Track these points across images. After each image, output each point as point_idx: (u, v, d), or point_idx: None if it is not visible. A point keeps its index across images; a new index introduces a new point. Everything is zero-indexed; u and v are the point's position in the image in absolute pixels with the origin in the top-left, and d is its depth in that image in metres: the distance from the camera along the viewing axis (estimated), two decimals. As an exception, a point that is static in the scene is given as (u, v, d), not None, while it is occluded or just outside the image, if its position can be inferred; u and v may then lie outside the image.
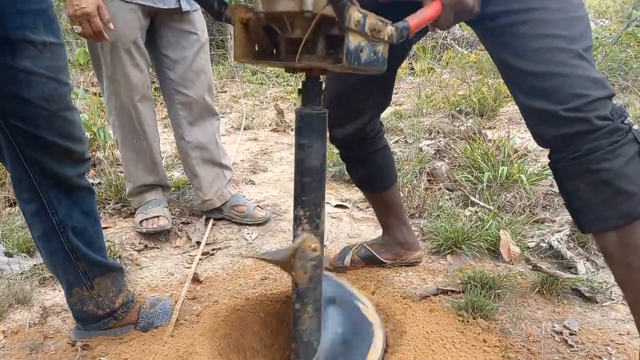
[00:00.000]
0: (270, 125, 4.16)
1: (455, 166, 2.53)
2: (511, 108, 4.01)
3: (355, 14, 0.70)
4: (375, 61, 0.79)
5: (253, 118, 4.44)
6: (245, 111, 4.54)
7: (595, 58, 4.46)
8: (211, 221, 2.01)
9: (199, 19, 1.87)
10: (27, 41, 0.89)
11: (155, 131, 1.92)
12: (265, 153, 3.17)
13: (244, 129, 3.97)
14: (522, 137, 3.28)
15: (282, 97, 5.66)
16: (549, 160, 1.00)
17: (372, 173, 1.42)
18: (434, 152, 2.91)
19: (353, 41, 0.72)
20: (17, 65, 0.89)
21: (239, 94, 5.61)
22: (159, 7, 1.69)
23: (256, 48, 0.81)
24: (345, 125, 1.30)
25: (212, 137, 1.96)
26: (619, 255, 0.95)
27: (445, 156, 2.79)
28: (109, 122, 1.91)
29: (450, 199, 2.17)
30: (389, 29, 0.79)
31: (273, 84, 6.64)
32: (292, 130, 3.92)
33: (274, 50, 0.82)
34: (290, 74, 6.22)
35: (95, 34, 1.49)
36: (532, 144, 3.05)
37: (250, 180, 2.53)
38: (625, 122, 0.91)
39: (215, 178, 1.98)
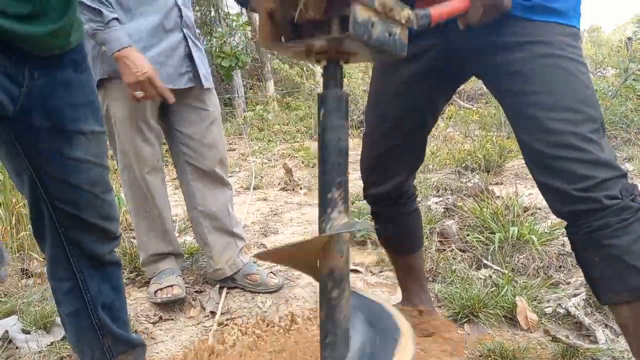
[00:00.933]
0: (279, 184, 4.22)
1: (465, 225, 2.54)
2: (517, 163, 4.06)
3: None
4: (392, 42, 0.75)
5: (262, 177, 4.51)
6: (254, 170, 4.62)
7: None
8: (225, 290, 2.01)
9: (212, 94, 1.95)
10: (79, 132, 0.96)
11: (166, 201, 1.97)
12: (275, 214, 3.20)
13: (254, 188, 4.02)
14: (530, 194, 3.30)
15: (289, 155, 5.76)
16: (566, 231, 1.02)
17: (402, 234, 1.44)
18: (442, 210, 2.94)
19: (361, 14, 0.69)
20: (69, 155, 0.96)
21: (247, 151, 5.72)
22: (169, 87, 1.75)
23: (282, 40, 0.78)
24: (380, 185, 1.33)
25: (224, 207, 2.00)
26: (633, 329, 0.96)
27: (454, 214, 2.81)
28: (123, 192, 1.97)
29: (463, 260, 2.18)
30: (407, 12, 0.75)
31: (280, 141, 6.78)
32: (300, 189, 3.97)
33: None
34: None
35: (160, 93, 1.58)
36: (541, 201, 3.07)
37: (262, 244, 2.55)
38: (636, 200, 0.93)
39: (227, 247, 2.00)
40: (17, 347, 1.58)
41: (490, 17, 0.93)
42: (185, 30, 1.82)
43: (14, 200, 2.42)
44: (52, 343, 1.58)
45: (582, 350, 1.34)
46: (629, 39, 13.06)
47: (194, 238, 2.46)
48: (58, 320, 1.66)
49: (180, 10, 1.81)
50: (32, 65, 0.91)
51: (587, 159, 0.93)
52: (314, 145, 5.85)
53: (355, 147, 3.41)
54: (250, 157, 5.49)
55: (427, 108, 1.24)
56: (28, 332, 1.65)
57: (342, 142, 0.77)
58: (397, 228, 1.42)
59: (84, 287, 1.09)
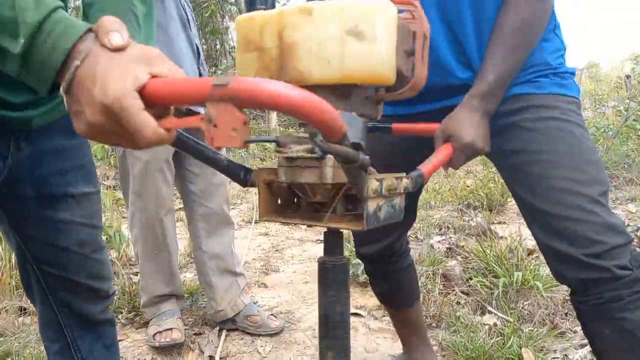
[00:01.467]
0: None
1: (468, 267, 2.52)
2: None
3: (373, 183, 0.71)
4: (393, 214, 0.80)
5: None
6: (255, 204, 4.60)
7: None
8: (224, 333, 1.98)
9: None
10: (67, 196, 0.94)
11: (175, 242, 1.96)
12: (276, 250, 3.18)
13: (255, 222, 4.01)
14: (533, 234, 3.27)
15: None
16: (571, 298, 1.00)
17: (395, 290, 1.43)
18: (445, 249, 2.91)
19: (371, 206, 0.72)
20: (56, 217, 0.93)
21: (249, 184, 5.69)
22: (185, 128, 1.79)
23: (279, 201, 0.83)
24: (372, 244, 1.32)
25: (228, 247, 1.99)
26: None
27: (457, 255, 2.79)
28: (130, 234, 1.95)
29: (467, 304, 2.15)
30: (404, 182, 0.80)
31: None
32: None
33: (296, 206, 0.85)
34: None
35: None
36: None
37: (262, 283, 2.52)
38: None
39: (229, 287, 1.98)
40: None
41: (471, 159, 0.99)
42: (201, 68, 1.87)
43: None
44: (46, 389, 1.54)
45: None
46: (628, 76, 13.25)
47: (195, 275, 2.43)
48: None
49: (199, 53, 1.87)
50: (17, 137, 0.86)
51: (596, 222, 0.92)
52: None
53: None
54: (252, 189, 5.48)
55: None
56: (23, 377, 1.61)
57: (344, 314, 0.82)
58: (391, 284, 1.41)
59: (74, 348, 1.05)
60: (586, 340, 1.71)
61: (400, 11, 0.73)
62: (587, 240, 0.91)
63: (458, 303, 2.18)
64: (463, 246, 2.81)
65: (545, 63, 1.04)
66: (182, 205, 2.03)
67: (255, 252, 3.12)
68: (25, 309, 2.11)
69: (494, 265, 2.27)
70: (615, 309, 0.91)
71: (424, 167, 0.87)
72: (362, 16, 0.67)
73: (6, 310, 2.11)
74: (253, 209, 4.35)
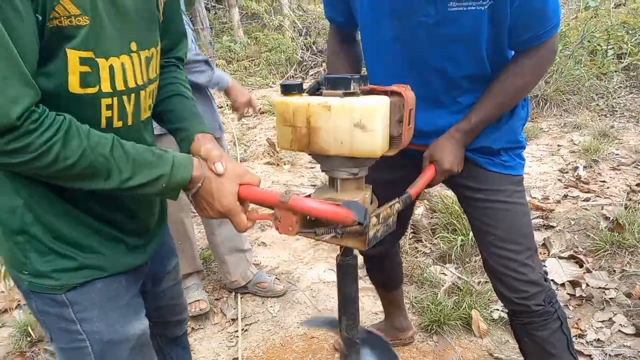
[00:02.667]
0: (263, 154, 4.54)
1: (434, 218, 2.99)
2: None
3: (373, 220, 1.01)
4: (388, 229, 1.11)
5: (247, 146, 4.80)
6: (236, 136, 4.87)
7: (552, 74, 4.90)
8: (239, 297, 2.45)
9: (222, 140, 2.25)
10: (167, 272, 1.26)
11: (194, 235, 2.34)
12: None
13: (240, 161, 4.34)
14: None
15: (268, 112, 5.98)
16: (507, 316, 1.48)
17: (387, 279, 1.88)
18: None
19: (371, 232, 1.02)
20: (160, 288, 1.28)
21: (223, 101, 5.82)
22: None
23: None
24: (374, 248, 1.72)
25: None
26: None
27: (423, 199, 3.24)
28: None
29: (432, 253, 2.67)
30: (396, 207, 1.10)
31: (253, 85, 6.90)
32: (285, 165, 4.31)
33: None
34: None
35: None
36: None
37: (262, 242, 2.96)
38: (553, 306, 1.38)
39: (239, 262, 2.41)
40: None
41: (446, 178, 1.33)
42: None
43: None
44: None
45: None
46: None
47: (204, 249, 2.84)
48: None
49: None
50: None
51: (523, 279, 1.35)
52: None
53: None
54: (226, 110, 5.59)
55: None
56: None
57: (355, 296, 1.18)
58: (384, 275, 1.86)
59: (167, 357, 1.48)
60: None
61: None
62: (517, 290, 1.36)
63: (425, 254, 2.69)
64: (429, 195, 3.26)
65: (500, 147, 1.38)
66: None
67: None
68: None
69: (454, 221, 2.75)
70: (531, 329, 1.39)
71: (411, 189, 1.18)
72: (365, 114, 0.98)
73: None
74: (234, 140, 4.63)
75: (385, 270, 1.84)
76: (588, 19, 5.85)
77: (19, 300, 2.55)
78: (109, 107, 0.87)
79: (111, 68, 0.84)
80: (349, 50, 1.49)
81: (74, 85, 0.81)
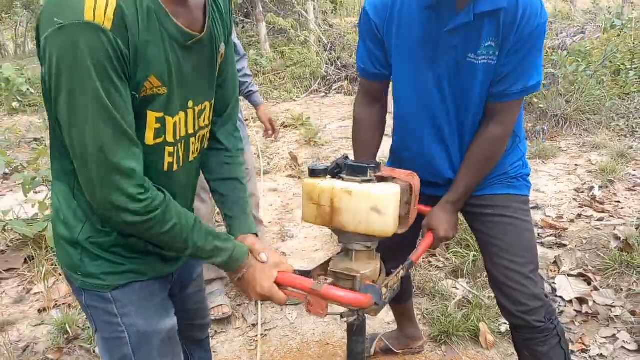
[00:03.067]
0: (285, 167, 4.71)
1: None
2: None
3: (383, 290, 1.19)
4: (394, 293, 1.30)
5: (270, 159, 4.98)
6: (260, 150, 5.05)
7: (572, 94, 4.96)
8: (260, 304, 2.60)
9: (247, 151, 2.42)
10: (193, 279, 1.42)
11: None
12: (287, 211, 3.74)
13: (263, 173, 4.51)
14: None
15: (291, 125, 6.17)
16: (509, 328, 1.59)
17: (399, 294, 2.00)
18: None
19: (383, 298, 1.21)
20: (187, 292, 1.43)
21: (247, 114, 6.03)
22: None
23: None
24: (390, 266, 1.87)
25: (261, 237, 2.54)
26: None
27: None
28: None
29: (444, 267, 2.77)
30: (401, 273, 1.31)
31: (276, 99, 7.09)
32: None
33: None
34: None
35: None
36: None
37: (282, 252, 3.12)
38: (553, 322, 1.48)
39: (262, 270, 2.56)
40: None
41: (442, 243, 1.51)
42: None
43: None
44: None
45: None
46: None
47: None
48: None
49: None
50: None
51: (525, 292, 1.46)
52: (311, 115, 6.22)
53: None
54: (251, 124, 5.83)
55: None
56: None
57: (362, 351, 1.33)
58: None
59: (190, 357, 1.64)
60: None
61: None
62: (519, 303, 1.47)
63: (437, 268, 2.80)
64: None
65: (504, 173, 1.52)
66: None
67: (269, 214, 3.68)
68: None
69: (467, 237, 2.85)
70: (531, 344, 1.49)
71: (413, 255, 1.37)
72: (380, 200, 1.16)
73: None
74: (258, 153, 4.81)
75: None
76: (611, 38, 5.89)
77: (56, 301, 2.75)
78: (171, 154, 1.06)
79: (174, 123, 1.03)
80: (375, 119, 1.61)
81: (149, 138, 1.00)
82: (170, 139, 1.03)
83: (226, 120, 1.29)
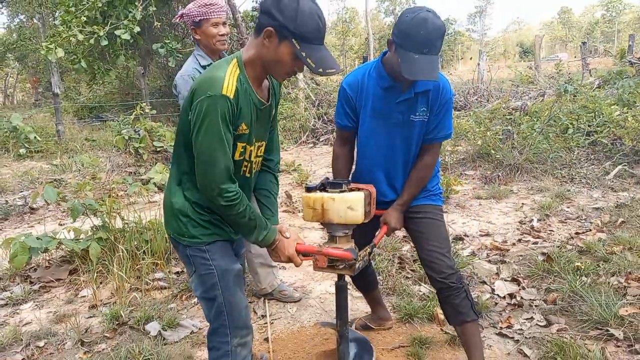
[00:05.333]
0: (282, 205, 5.49)
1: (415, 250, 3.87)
2: (459, 195, 5.42)
3: (359, 261, 2.03)
4: (363, 263, 2.07)
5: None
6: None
7: (524, 147, 5.89)
8: (267, 301, 3.32)
9: None
10: (241, 254, 2.20)
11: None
12: (285, 237, 4.49)
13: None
14: (464, 223, 4.67)
15: (284, 171, 7.01)
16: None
17: (366, 284, 2.76)
18: (402, 237, 4.27)
19: (357, 264, 1.99)
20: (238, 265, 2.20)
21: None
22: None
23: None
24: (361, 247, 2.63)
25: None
26: (464, 340, 2.29)
27: (408, 241, 4.14)
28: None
29: (412, 277, 3.53)
30: (367, 250, 2.10)
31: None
32: (299, 212, 5.25)
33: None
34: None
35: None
36: (469, 230, 4.44)
37: (282, 267, 3.85)
38: (461, 283, 2.24)
39: (268, 274, 3.30)
40: (163, 338, 2.86)
41: (392, 233, 2.33)
42: None
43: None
44: (184, 337, 2.87)
45: (461, 337, 2.69)
46: (584, 43, 14.34)
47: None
48: (183, 322, 2.96)
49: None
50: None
51: (444, 264, 2.23)
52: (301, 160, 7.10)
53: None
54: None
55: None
56: (165, 330, 2.93)
57: (345, 304, 2.11)
58: (364, 282, 2.74)
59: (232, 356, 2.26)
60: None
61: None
62: (440, 272, 2.23)
63: (406, 277, 3.56)
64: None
65: (426, 189, 2.34)
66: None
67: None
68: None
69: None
70: (449, 299, 2.24)
71: (375, 239, 2.19)
72: (353, 202, 1.96)
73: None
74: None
75: (364, 277, 2.72)
76: (558, 101, 6.97)
77: (102, 300, 3.43)
78: (246, 166, 1.83)
79: (250, 150, 1.81)
80: (346, 154, 2.39)
81: (236, 156, 1.76)
82: (247, 157, 1.82)
83: (275, 162, 2.08)
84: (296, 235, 1.94)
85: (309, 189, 2.11)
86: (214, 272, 1.83)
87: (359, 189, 2.07)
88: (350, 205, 1.98)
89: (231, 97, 1.62)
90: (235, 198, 1.70)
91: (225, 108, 1.61)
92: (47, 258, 4.10)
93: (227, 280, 1.85)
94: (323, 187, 2.09)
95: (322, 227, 4.66)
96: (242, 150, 1.77)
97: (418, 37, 1.91)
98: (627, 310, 2.68)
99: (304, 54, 1.63)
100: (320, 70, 1.64)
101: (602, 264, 3.33)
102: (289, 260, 1.88)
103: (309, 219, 2.07)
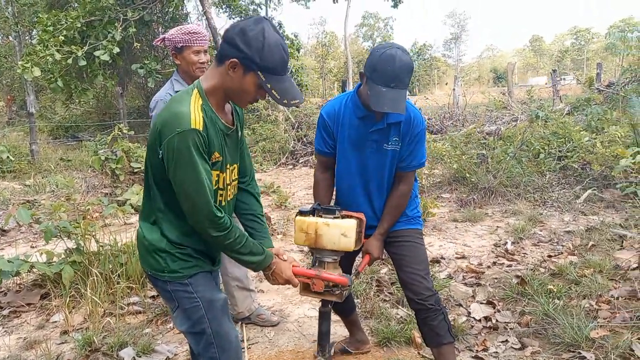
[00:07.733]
0: (259, 227, 5.47)
1: (393, 274, 3.91)
2: (436, 218, 5.50)
3: (346, 291, 2.06)
4: (348, 292, 2.13)
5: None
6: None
7: (498, 171, 6.04)
8: (244, 325, 3.29)
9: None
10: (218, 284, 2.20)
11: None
12: (263, 260, 4.47)
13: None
14: (441, 245, 4.74)
15: (263, 192, 7.01)
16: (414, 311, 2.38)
17: (346, 310, 2.78)
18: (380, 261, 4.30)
19: (345, 292, 2.05)
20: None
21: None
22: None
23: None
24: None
25: (245, 272, 3.27)
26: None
27: (387, 263, 4.18)
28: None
29: (390, 300, 3.55)
30: (353, 277, 2.15)
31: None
32: (278, 234, 5.25)
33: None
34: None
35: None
36: (446, 252, 4.50)
37: (260, 290, 3.83)
38: (439, 305, 2.29)
39: (246, 298, 3.28)
40: (138, 365, 2.81)
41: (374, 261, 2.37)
42: None
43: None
44: (159, 363, 2.82)
45: (438, 361, 2.71)
46: (554, 70, 14.85)
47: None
48: (158, 348, 2.91)
49: None
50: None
51: (422, 286, 2.27)
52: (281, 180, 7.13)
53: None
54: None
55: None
56: (140, 356, 2.87)
57: (328, 330, 2.14)
58: (344, 308, 2.75)
59: None
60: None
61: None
62: (419, 293, 2.27)
63: (384, 300, 3.58)
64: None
65: (405, 214, 2.39)
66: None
67: (248, 262, 4.40)
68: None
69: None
70: (427, 320, 2.28)
71: (359, 267, 2.22)
72: (346, 229, 2.02)
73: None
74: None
75: (344, 305, 2.73)
76: (530, 127, 7.18)
77: (74, 326, 3.35)
78: (221, 195, 1.82)
79: (223, 178, 1.80)
80: (327, 180, 2.43)
81: (214, 185, 1.74)
82: (221, 185, 1.81)
83: (249, 178, 2.06)
84: (292, 259, 1.95)
85: (301, 213, 2.13)
86: (200, 305, 1.79)
87: (350, 217, 2.10)
88: (344, 232, 2.01)
89: (200, 129, 1.62)
90: (227, 226, 1.71)
91: (197, 140, 1.61)
92: (18, 282, 4.00)
93: (214, 311, 1.81)
94: (314, 212, 2.11)
95: (300, 249, 4.68)
96: (216, 178, 1.77)
97: (386, 72, 2.00)
98: (597, 333, 2.75)
99: (269, 86, 1.65)
100: (285, 101, 1.67)
101: (574, 287, 3.42)
102: (287, 282, 1.90)
103: (301, 242, 2.09)
